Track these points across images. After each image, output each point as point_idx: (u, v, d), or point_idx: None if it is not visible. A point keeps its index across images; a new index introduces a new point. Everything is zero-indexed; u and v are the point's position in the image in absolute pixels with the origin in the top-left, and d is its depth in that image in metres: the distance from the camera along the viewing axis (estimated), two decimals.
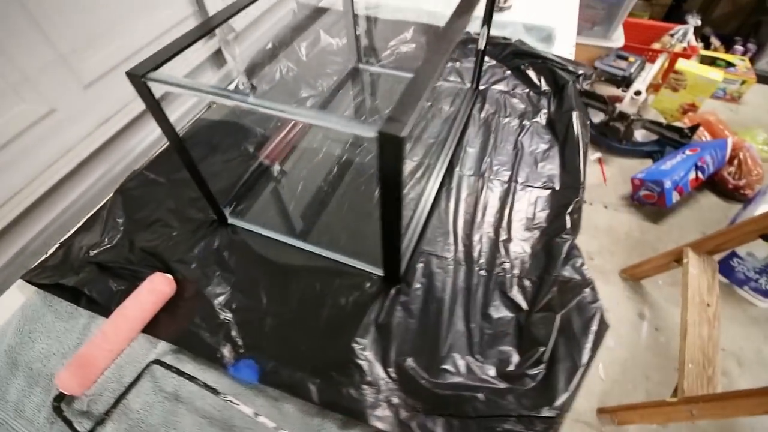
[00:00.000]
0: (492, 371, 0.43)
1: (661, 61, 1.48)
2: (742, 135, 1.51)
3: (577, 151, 0.62)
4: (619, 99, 1.48)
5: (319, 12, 0.96)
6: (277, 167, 0.66)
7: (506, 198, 0.59)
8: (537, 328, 0.45)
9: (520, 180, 0.61)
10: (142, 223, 0.58)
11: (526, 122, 0.71)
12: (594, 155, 1.58)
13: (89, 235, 0.56)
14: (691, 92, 1.52)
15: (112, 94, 0.65)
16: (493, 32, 0.90)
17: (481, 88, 0.78)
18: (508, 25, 0.92)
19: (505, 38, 0.85)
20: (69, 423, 0.40)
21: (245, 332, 0.47)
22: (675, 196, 1.31)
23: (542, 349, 0.43)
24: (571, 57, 0.84)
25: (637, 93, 1.40)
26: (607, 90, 1.64)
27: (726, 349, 1.09)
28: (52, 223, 0.61)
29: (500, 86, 0.78)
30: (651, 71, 1.44)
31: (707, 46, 1.83)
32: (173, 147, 0.47)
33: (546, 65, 0.77)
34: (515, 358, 0.44)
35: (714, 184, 1.42)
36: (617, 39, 1.63)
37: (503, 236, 0.54)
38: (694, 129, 1.43)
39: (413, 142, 0.69)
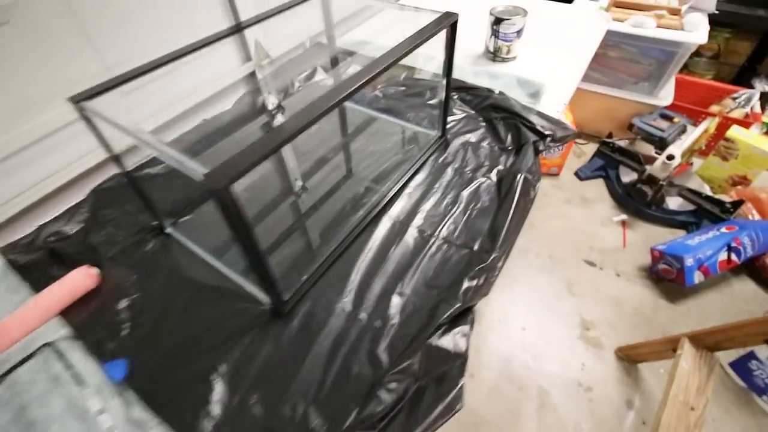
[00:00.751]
0: (324, 426, 0.43)
1: (704, 126, 1.33)
2: None
3: (507, 214, 0.59)
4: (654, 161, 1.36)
5: (324, 48, 1.03)
6: (299, 183, 0.71)
7: (420, 251, 0.58)
8: (388, 391, 0.44)
9: (442, 235, 0.60)
10: (101, 220, 0.66)
11: (478, 176, 0.69)
12: (618, 217, 1.46)
13: (58, 224, 0.66)
14: (744, 163, 1.35)
15: (146, 101, 0.75)
16: (486, 82, 0.90)
17: (449, 137, 0.78)
18: (502, 76, 0.91)
19: (489, 89, 0.85)
20: None
21: (133, 334, 0.51)
22: (698, 276, 1.16)
23: (381, 414, 0.43)
24: (557, 116, 0.81)
25: (670, 157, 1.28)
26: (647, 149, 1.51)
27: None
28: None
29: (469, 137, 0.78)
30: (691, 136, 1.31)
31: None
32: (114, 162, 0.55)
33: (515, 122, 0.75)
34: (352, 415, 0.43)
35: (754, 270, 1.23)
36: (664, 97, 1.51)
37: (398, 289, 0.54)
38: (737, 204, 1.27)
39: (360, 180, 0.71)
